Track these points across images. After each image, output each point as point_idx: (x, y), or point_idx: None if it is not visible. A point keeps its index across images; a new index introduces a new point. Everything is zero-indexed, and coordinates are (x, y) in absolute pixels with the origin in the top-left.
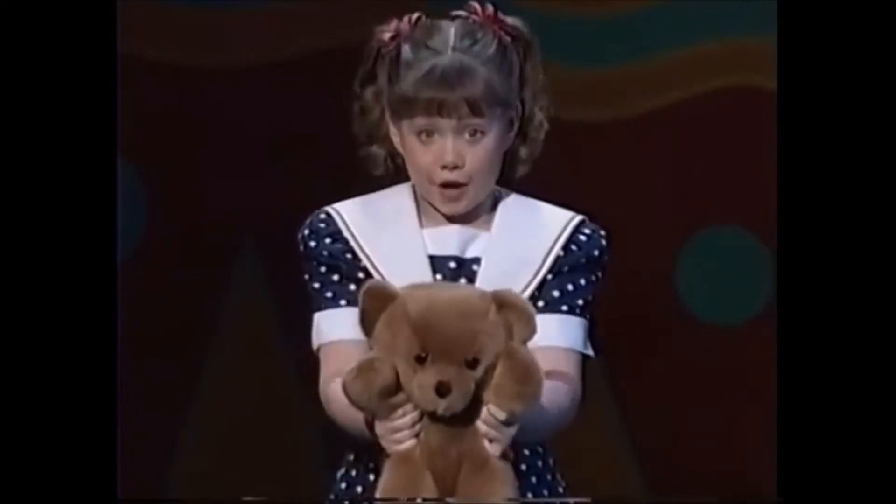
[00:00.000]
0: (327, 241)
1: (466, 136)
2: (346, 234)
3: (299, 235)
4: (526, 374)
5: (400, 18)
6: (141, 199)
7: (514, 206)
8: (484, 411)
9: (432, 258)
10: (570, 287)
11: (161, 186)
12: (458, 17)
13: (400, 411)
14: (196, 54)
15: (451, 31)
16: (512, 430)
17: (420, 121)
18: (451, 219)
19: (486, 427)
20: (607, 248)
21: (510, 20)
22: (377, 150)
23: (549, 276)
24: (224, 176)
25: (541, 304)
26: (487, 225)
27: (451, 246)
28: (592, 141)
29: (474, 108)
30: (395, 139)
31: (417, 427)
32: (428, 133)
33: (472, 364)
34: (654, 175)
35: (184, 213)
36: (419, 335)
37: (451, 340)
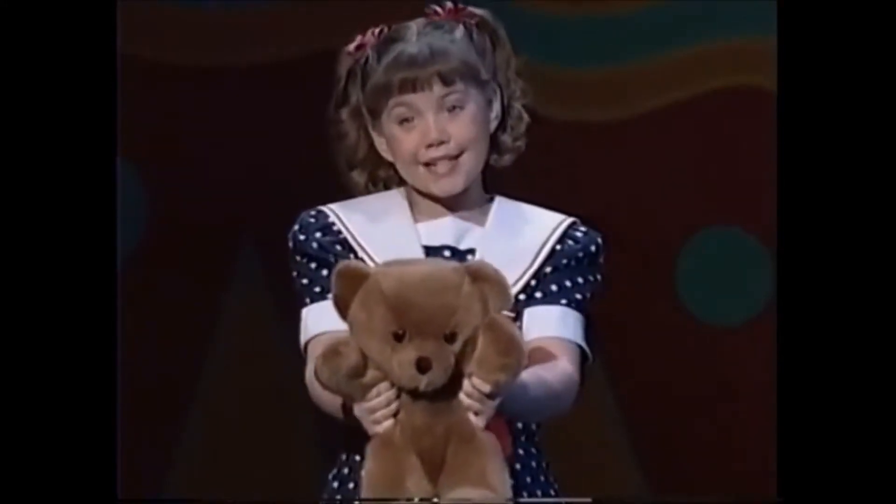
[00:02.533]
0: (317, 234)
1: (446, 112)
2: (338, 226)
3: (289, 234)
4: (509, 345)
5: (363, 32)
6: (141, 199)
7: (510, 206)
8: (466, 384)
9: (427, 249)
10: (567, 283)
11: (161, 186)
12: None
13: (374, 391)
14: (196, 54)
15: (414, 25)
16: (496, 402)
17: (398, 108)
18: (445, 204)
19: (470, 400)
20: (603, 249)
21: (474, 10)
22: (357, 177)
23: (548, 269)
24: (224, 176)
25: (538, 295)
26: (482, 220)
27: (445, 236)
28: (592, 141)
29: (447, 80)
30: (381, 146)
31: (394, 406)
32: (408, 119)
33: (451, 338)
34: (655, 175)
35: (184, 213)
36: (395, 313)
37: (427, 316)
